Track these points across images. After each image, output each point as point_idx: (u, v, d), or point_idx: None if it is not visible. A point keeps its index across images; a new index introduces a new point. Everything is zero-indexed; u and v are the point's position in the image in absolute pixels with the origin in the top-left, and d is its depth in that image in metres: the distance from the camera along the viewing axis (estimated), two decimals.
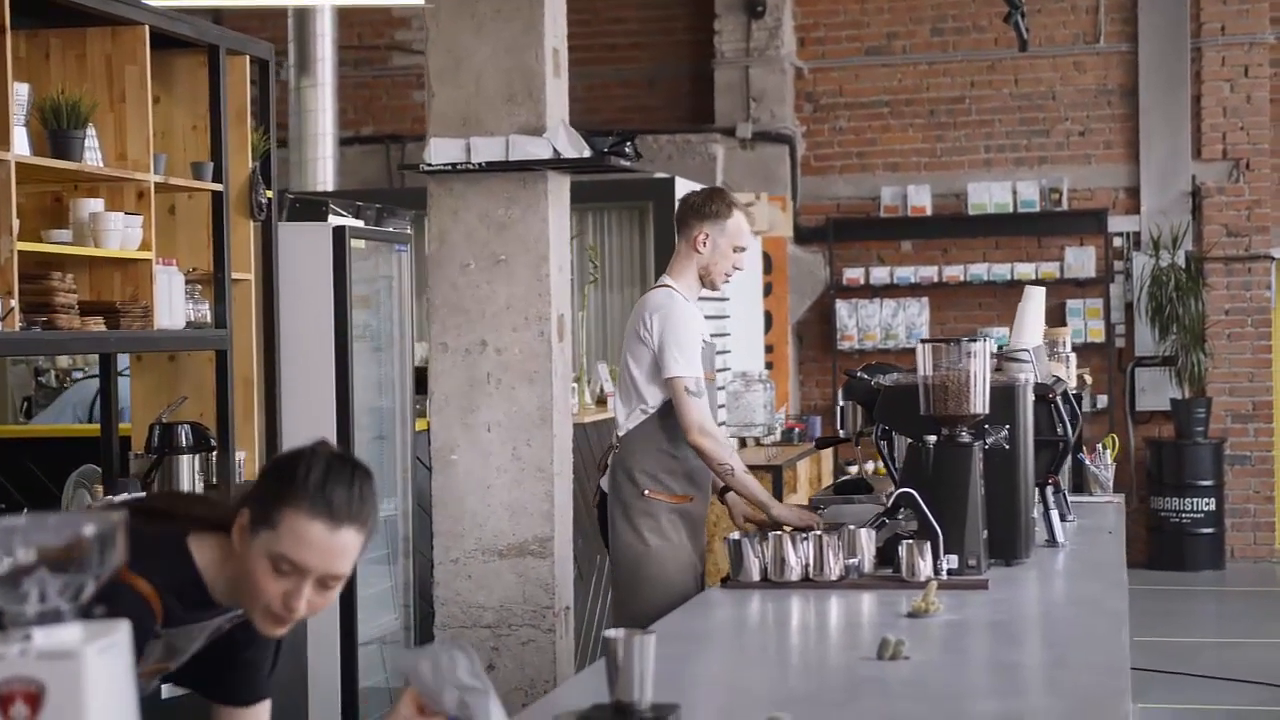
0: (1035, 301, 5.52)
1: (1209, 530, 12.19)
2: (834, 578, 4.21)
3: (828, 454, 11.27)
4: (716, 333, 10.12)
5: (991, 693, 3.12)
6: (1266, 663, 9.09)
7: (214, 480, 5.53)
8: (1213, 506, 12.17)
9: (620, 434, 5.26)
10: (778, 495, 9.18)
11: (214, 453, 5.50)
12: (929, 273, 12.73)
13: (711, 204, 5.27)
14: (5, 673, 1.69)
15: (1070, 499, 5.76)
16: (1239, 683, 8.51)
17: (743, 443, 10.21)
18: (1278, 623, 10.65)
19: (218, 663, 2.82)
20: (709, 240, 5.22)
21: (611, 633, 2.73)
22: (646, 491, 5.17)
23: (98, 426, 5.68)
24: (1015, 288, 12.39)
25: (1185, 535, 12.16)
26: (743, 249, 5.29)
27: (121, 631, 1.78)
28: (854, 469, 11.67)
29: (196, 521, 2.70)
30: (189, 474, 5.33)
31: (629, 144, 6.00)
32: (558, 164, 5.72)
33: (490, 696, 2.48)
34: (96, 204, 4.98)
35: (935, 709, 2.92)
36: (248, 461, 5.77)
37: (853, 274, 12.85)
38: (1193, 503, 12.15)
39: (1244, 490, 12.51)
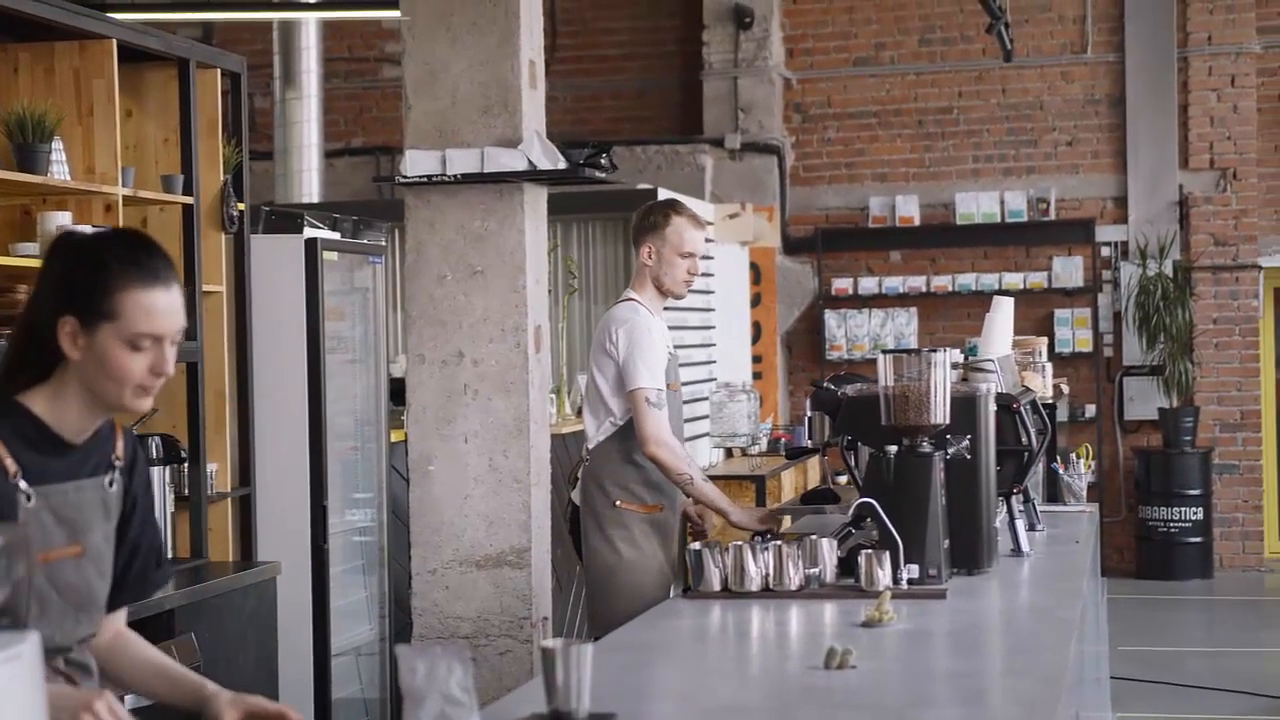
0: (1003, 312, 5.54)
1: (1197, 539, 12.19)
2: (794, 588, 4.22)
3: (814, 464, 11.28)
4: (702, 343, 10.16)
5: (931, 700, 3.13)
6: (1253, 672, 9.10)
7: (185, 492, 5.54)
8: (1201, 515, 12.18)
9: (590, 446, 5.35)
10: (760, 505, 9.19)
11: (185, 464, 5.51)
12: (917, 283, 12.74)
13: (650, 216, 5.41)
14: None
15: (1044, 509, 5.77)
16: (1224, 692, 8.51)
17: (728, 453, 10.22)
18: (1265, 632, 10.65)
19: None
20: (653, 252, 5.36)
21: (548, 643, 2.75)
22: (618, 502, 5.27)
23: None
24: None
25: (1173, 544, 12.17)
26: (690, 254, 5.37)
27: (30, 643, 1.79)
28: (844, 479, 11.68)
29: (13, 388, 2.70)
30: (159, 485, 5.34)
31: (605, 155, 6.02)
32: (533, 176, 5.74)
33: (473, 712, 2.49)
34: (64, 217, 5.00)
35: (874, 717, 2.94)
36: (219, 473, 5.78)
37: (841, 284, 12.87)
38: (1181, 512, 12.15)
39: (1232, 499, 12.52)
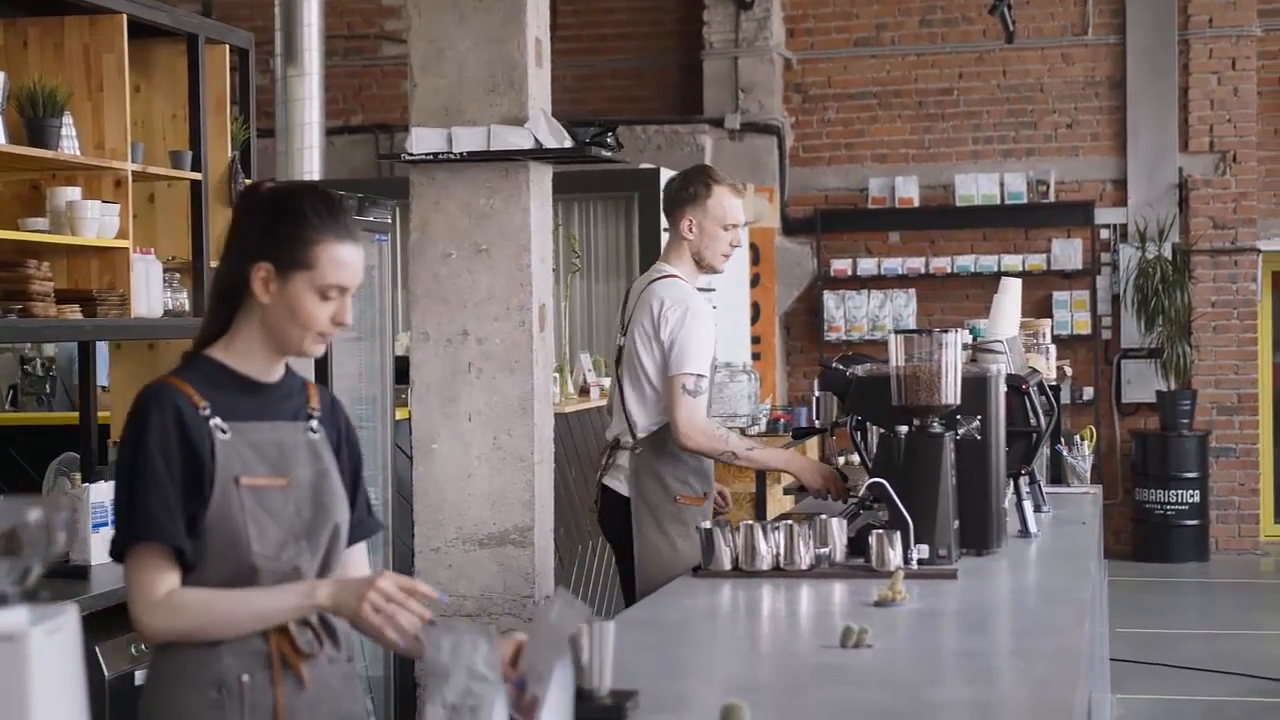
0: (1011, 293, 5.55)
1: (1193, 522, 12.22)
2: (804, 567, 4.22)
3: (814, 444, 11.30)
4: None
5: (948, 680, 3.15)
6: (1249, 654, 9.13)
7: None
8: (1197, 498, 12.20)
9: (639, 435, 5.08)
10: (761, 485, 9.18)
11: None
12: (916, 264, 12.75)
13: (689, 186, 5.14)
14: None
15: (1048, 490, 5.78)
16: (1221, 674, 8.54)
17: None
18: (1261, 614, 10.69)
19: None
20: (694, 225, 5.12)
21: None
22: (678, 497, 5.05)
23: (77, 415, 5.68)
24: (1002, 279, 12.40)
25: (1170, 527, 12.20)
26: (733, 225, 5.13)
27: (69, 616, 1.80)
28: (842, 459, 11.70)
29: (199, 346, 2.89)
30: None
31: (610, 135, 6.01)
32: (539, 154, 5.73)
33: (498, 692, 2.49)
34: (73, 192, 4.99)
35: (892, 696, 2.95)
36: None
37: (840, 265, 12.87)
38: (1178, 494, 12.18)
39: (1229, 482, 12.55)
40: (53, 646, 1.75)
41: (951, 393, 4.38)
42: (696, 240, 5.12)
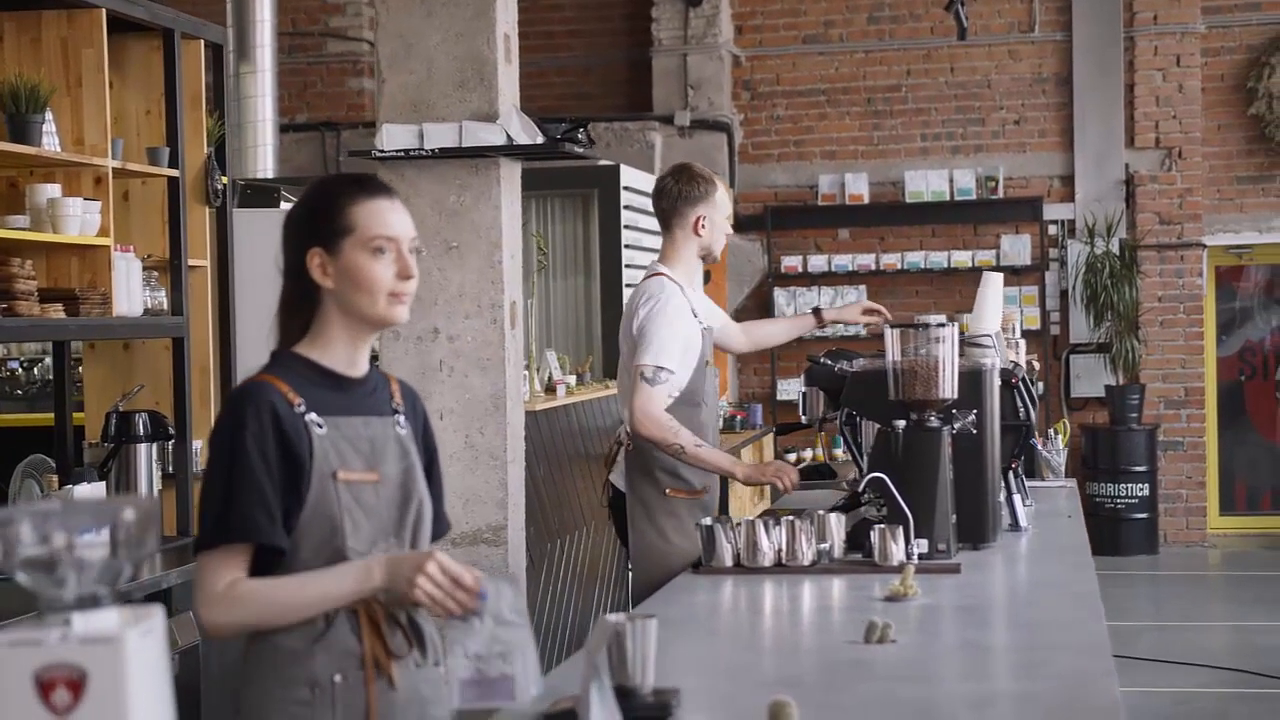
0: (994, 287, 5.57)
1: (1142, 515, 12.32)
2: (806, 563, 4.21)
3: (769, 440, 11.33)
4: None
5: (981, 673, 3.14)
6: (1202, 645, 9.21)
7: (171, 469, 5.46)
8: (1146, 492, 12.30)
9: (630, 430, 5.08)
10: (724, 482, 9.16)
11: (171, 441, 5.43)
12: (866, 260, 12.79)
13: (698, 186, 5.17)
14: (46, 659, 1.67)
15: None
16: (1174, 664, 8.61)
17: None
18: (1211, 606, 10.79)
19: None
20: (706, 221, 5.16)
21: (614, 617, 2.72)
22: (668, 490, 5.06)
23: (51, 416, 5.58)
24: (951, 275, 12.51)
25: (1119, 520, 12.29)
26: (728, 216, 5.24)
27: (158, 618, 1.76)
28: (792, 456, 11.73)
29: (285, 346, 2.88)
30: (146, 463, 5.27)
31: (582, 131, 5.99)
32: (511, 150, 5.69)
33: (527, 634, 2.49)
34: (54, 189, 4.91)
35: (931, 690, 2.94)
36: (204, 450, 5.70)
37: (790, 262, 12.89)
38: (1127, 488, 12.27)
39: (1177, 475, 12.66)
40: (147, 647, 1.72)
41: (949, 387, 4.38)
42: (708, 235, 5.17)
